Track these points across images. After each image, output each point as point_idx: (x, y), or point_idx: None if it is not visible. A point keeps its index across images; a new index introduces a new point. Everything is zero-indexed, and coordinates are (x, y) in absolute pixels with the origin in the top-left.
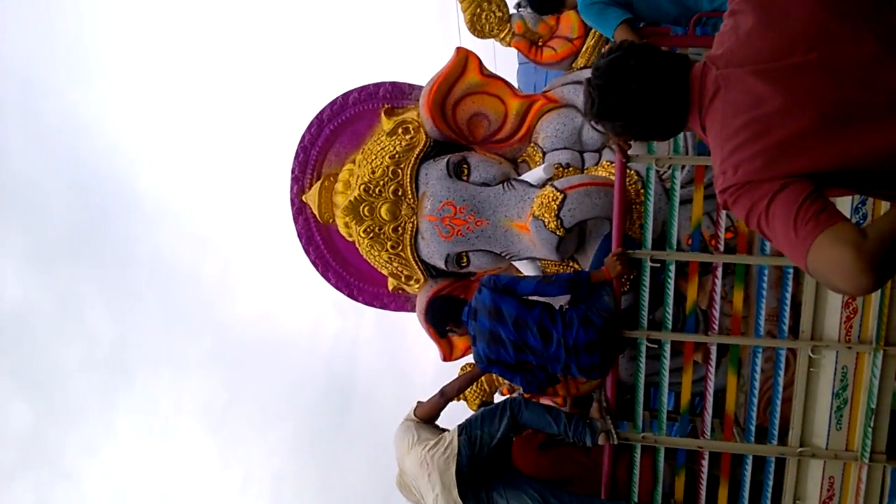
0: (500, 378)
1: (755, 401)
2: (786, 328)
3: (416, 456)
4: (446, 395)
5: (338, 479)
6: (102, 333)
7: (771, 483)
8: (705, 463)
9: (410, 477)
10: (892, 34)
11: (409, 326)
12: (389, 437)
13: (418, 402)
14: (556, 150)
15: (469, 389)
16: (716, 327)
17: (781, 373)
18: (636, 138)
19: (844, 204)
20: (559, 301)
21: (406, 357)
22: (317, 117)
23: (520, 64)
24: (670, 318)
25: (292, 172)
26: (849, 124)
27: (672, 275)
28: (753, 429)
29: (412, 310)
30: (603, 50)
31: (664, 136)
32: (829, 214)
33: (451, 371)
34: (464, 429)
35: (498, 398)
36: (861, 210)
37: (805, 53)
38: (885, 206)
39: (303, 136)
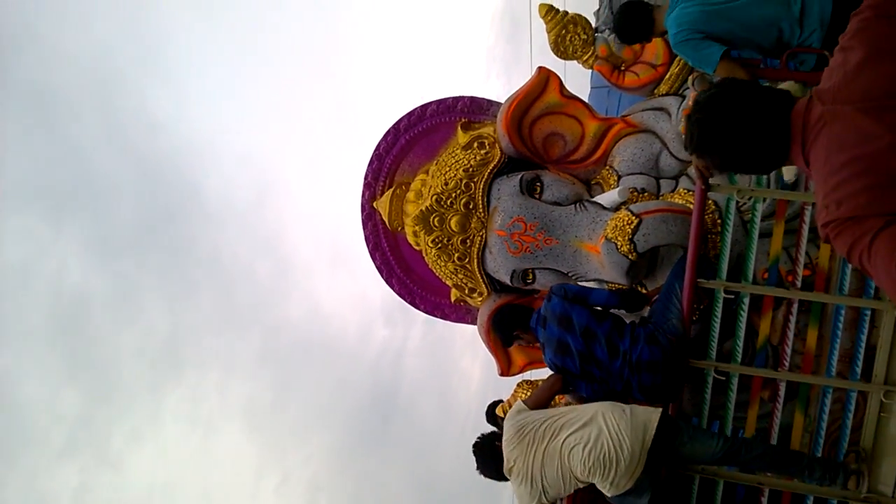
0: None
1: (821, 441)
2: (858, 370)
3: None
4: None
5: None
6: (158, 325)
7: None
8: (765, 500)
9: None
10: None
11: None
12: (428, 448)
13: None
14: (632, 174)
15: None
16: (787, 364)
17: (850, 416)
18: (736, 171)
19: None
20: (629, 318)
21: (450, 371)
22: (394, 126)
23: (592, 87)
24: (740, 351)
25: (365, 178)
26: None
27: (746, 307)
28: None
29: (472, 322)
30: (689, 77)
31: (764, 171)
32: None
33: (494, 386)
34: None
35: None
36: None
37: None
38: None
39: (378, 144)
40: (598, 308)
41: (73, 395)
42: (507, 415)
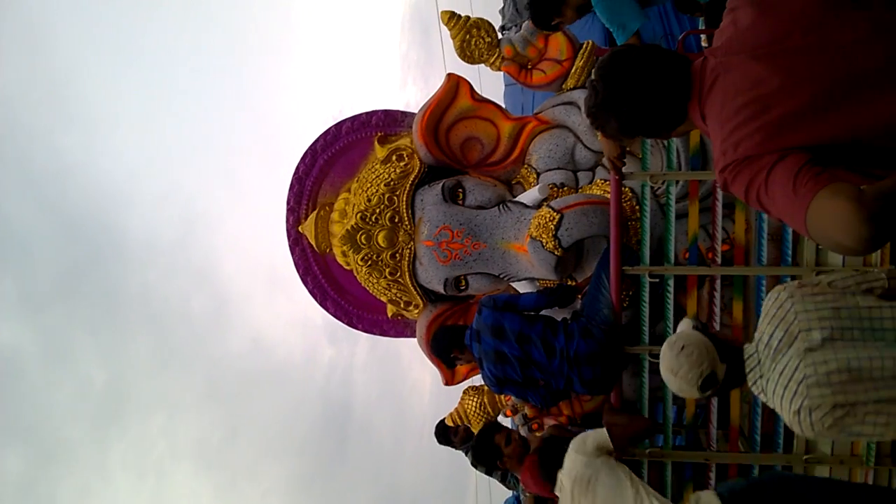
0: (503, 399)
1: (759, 410)
2: None
3: None
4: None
5: None
6: (93, 376)
7: None
8: (713, 475)
9: None
10: (878, 18)
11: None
12: (389, 463)
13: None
14: (550, 170)
15: (472, 413)
16: None
17: None
18: (635, 134)
19: None
20: (560, 315)
21: (401, 382)
22: (310, 148)
23: (506, 86)
24: (671, 332)
25: (287, 203)
26: (841, 101)
27: (671, 289)
28: (759, 438)
29: (412, 335)
30: (593, 71)
31: (664, 128)
32: (828, 176)
33: (448, 394)
34: None
35: (501, 419)
36: None
37: (801, 38)
38: None
39: (297, 167)
40: (530, 312)
41: (13, 459)
42: (582, 450)
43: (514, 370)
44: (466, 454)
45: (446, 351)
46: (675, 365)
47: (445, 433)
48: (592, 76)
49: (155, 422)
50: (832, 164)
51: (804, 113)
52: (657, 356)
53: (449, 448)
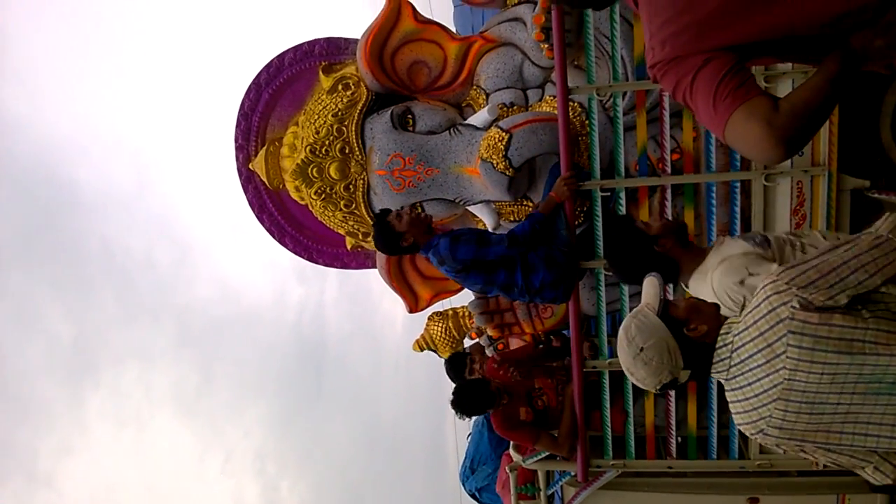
0: (467, 322)
1: None
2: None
3: None
4: None
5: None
6: (61, 333)
7: None
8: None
9: None
10: None
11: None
12: (366, 396)
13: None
14: (499, 90)
15: (439, 338)
16: None
17: None
18: (584, 5)
19: None
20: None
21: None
22: (254, 82)
23: (455, 6)
24: None
25: (235, 141)
26: None
27: (623, 202)
28: None
29: (373, 266)
30: None
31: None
32: (746, 89)
33: (420, 322)
34: None
35: (467, 342)
36: None
37: None
38: None
39: (242, 103)
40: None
41: None
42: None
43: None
44: None
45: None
46: (632, 367)
47: (460, 372)
48: None
49: (129, 373)
50: (763, 55)
51: (727, 12)
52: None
53: (424, 376)
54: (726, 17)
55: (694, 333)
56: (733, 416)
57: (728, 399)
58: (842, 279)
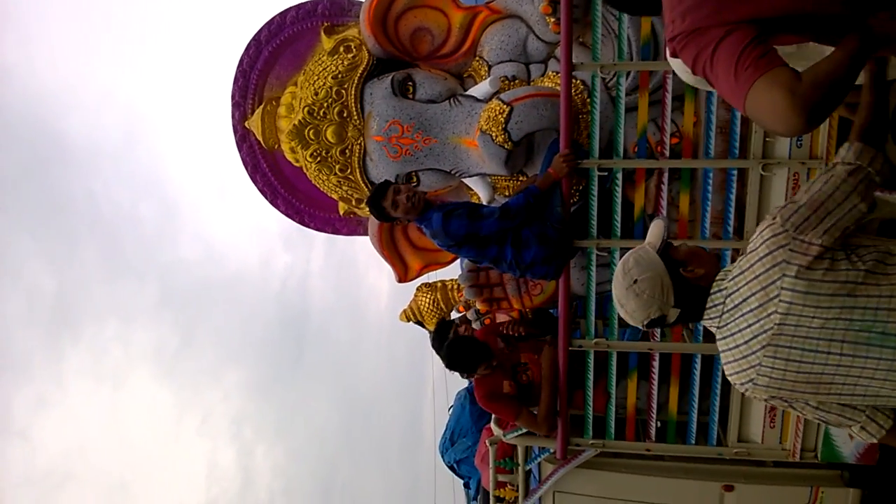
0: (456, 295)
1: None
2: (731, 230)
3: None
4: None
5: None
6: (42, 284)
7: (720, 379)
8: (656, 364)
9: None
10: None
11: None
12: (347, 367)
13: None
14: (502, 62)
15: (426, 310)
16: None
17: None
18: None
19: None
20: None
21: (358, 286)
22: (254, 39)
23: None
24: (619, 225)
25: (232, 98)
26: None
27: (620, 182)
28: (702, 329)
29: (364, 233)
30: None
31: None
32: (768, 59)
33: (404, 295)
34: None
35: (455, 315)
36: None
37: None
38: None
39: (241, 60)
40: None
41: None
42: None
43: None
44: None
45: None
46: (623, 298)
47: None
48: None
49: (109, 329)
50: (781, 31)
51: None
52: (605, 249)
53: (405, 349)
54: None
55: (690, 275)
56: (724, 367)
57: (719, 348)
58: (830, 212)
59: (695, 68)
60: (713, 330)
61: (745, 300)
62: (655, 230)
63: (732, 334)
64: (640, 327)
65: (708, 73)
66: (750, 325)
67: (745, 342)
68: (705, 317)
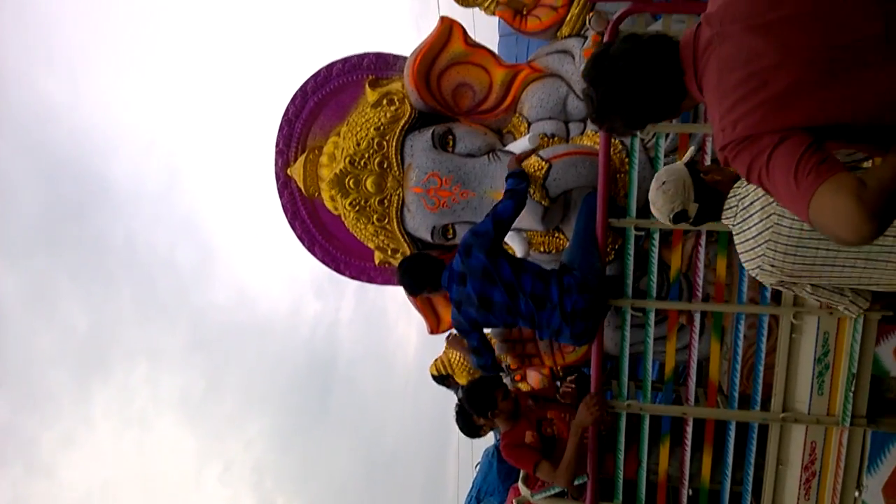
0: None
1: (738, 368)
2: (768, 295)
3: None
4: None
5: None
6: (76, 324)
7: (754, 449)
8: (689, 430)
9: None
10: None
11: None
12: (371, 418)
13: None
14: (541, 119)
15: (457, 363)
16: (699, 295)
17: (764, 339)
18: (643, 124)
19: None
20: (549, 265)
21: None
22: (301, 89)
23: (501, 36)
24: (654, 286)
25: (276, 146)
26: (839, 72)
27: (656, 243)
28: (737, 395)
29: (398, 283)
30: (587, 17)
31: (668, 111)
32: (829, 165)
33: (431, 347)
34: None
35: None
36: None
37: (795, 5)
38: None
39: (287, 109)
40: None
41: None
42: None
43: (499, 317)
44: (456, 393)
45: (420, 286)
46: (654, 197)
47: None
48: (584, 89)
49: (138, 371)
50: (833, 139)
51: (802, 88)
52: (639, 310)
53: (431, 403)
54: (798, 94)
55: (709, 178)
56: (739, 256)
57: (735, 242)
58: None
59: (749, 176)
60: (731, 227)
61: (752, 203)
62: (688, 155)
63: (744, 230)
64: (668, 222)
65: (764, 180)
66: (755, 224)
67: (753, 237)
68: (724, 216)
